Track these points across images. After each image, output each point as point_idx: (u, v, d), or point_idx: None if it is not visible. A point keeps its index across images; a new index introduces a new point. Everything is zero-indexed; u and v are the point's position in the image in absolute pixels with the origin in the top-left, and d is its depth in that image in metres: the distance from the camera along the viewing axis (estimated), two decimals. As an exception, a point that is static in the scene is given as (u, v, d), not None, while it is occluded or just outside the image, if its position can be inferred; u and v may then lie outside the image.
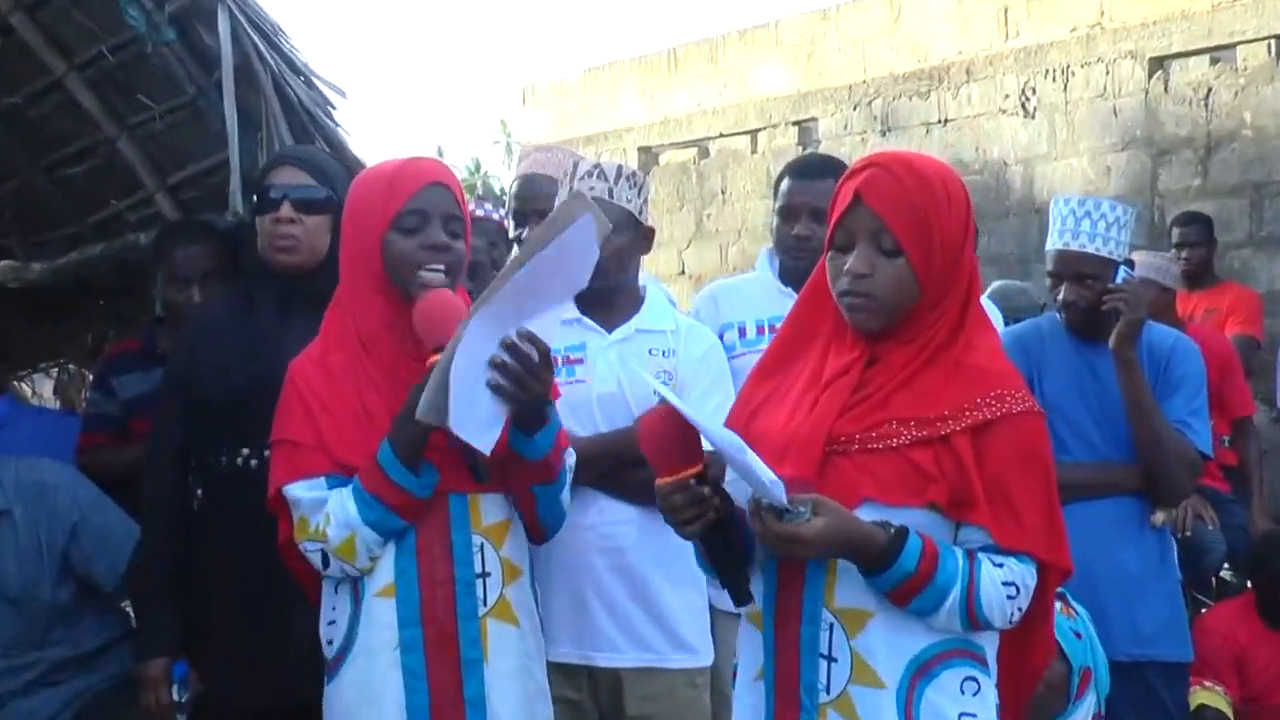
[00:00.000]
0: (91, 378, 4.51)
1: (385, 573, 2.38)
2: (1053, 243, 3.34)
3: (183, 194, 4.15)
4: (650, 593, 2.93)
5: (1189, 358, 3.36)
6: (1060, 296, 3.35)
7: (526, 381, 2.27)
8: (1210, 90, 7.55)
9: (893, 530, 1.98)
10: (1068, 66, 8.15)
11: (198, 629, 2.85)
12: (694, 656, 2.99)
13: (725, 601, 3.19)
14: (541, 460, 2.41)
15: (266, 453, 2.72)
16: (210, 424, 2.81)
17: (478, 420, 2.27)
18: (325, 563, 2.37)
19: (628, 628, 2.92)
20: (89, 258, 4.44)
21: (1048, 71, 8.25)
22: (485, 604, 2.39)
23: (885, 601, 2.01)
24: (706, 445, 2.03)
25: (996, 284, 5.81)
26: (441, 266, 2.38)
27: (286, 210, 2.82)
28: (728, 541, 2.07)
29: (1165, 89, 7.76)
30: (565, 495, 2.51)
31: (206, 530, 2.82)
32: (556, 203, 3.03)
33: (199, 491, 2.83)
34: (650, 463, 2.06)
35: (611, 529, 2.91)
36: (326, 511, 2.35)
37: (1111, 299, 3.25)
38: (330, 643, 2.44)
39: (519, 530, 2.48)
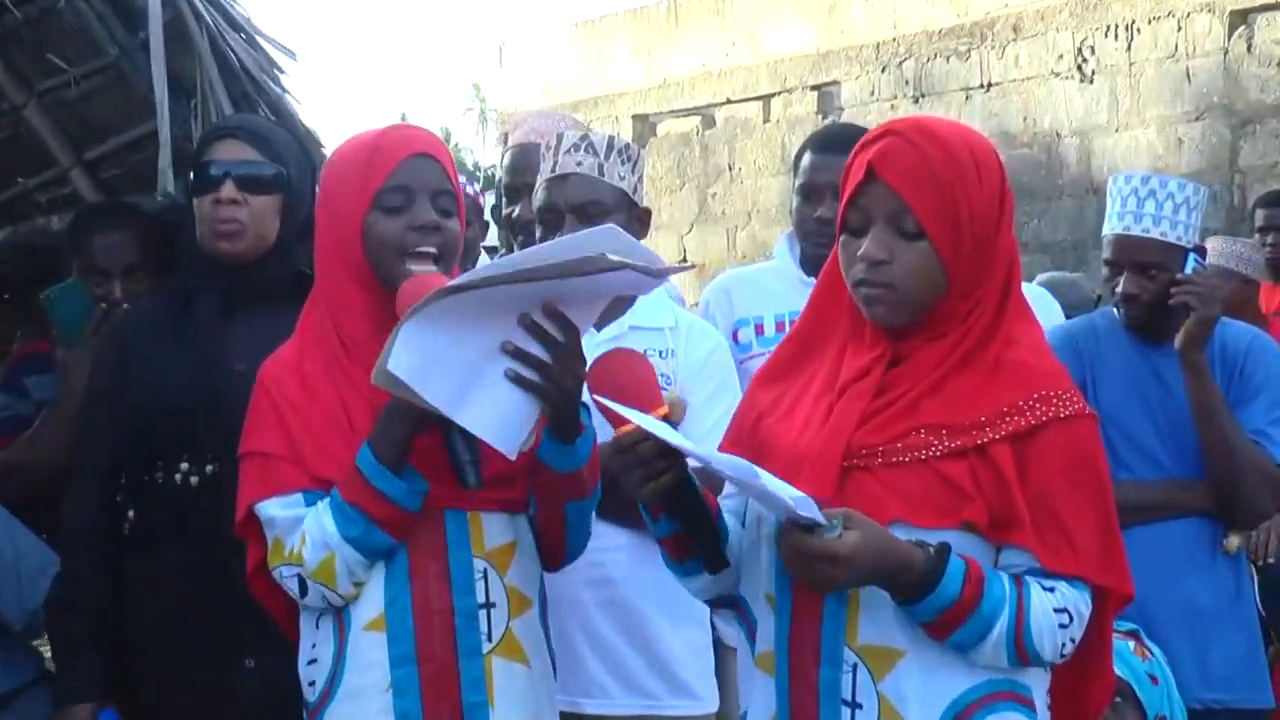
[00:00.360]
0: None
1: (374, 602, 2.36)
2: (1111, 226, 3.37)
3: (103, 171, 4.17)
4: (646, 630, 2.97)
5: (1269, 359, 3.38)
6: (1119, 289, 3.36)
7: (555, 375, 2.26)
8: (1301, 49, 7.60)
9: (932, 550, 1.96)
10: (1133, 22, 8.21)
11: (130, 671, 2.88)
12: (696, 703, 3.02)
13: (732, 637, 3.25)
14: (576, 472, 2.40)
15: (210, 468, 2.75)
16: (143, 437, 2.84)
17: (497, 417, 2.26)
18: (303, 590, 2.37)
19: (620, 671, 2.95)
20: (-8, 244, 4.47)
21: (1109, 27, 8.30)
22: (490, 639, 2.37)
23: (919, 636, 2.00)
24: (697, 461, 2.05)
25: (1043, 276, 5.84)
26: (433, 249, 2.38)
27: (229, 190, 2.83)
28: (697, 497, 2.06)
29: (1248, 48, 7.80)
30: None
31: (140, 556, 2.85)
32: (539, 181, 3.07)
33: (130, 513, 2.86)
34: (606, 417, 2.06)
35: (600, 557, 2.93)
36: (302, 530, 2.35)
37: (1180, 292, 3.26)
38: (312, 684, 2.43)
39: (527, 554, 2.46)
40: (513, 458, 2.32)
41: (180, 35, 3.49)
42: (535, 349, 2.25)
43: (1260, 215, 6.30)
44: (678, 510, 2.08)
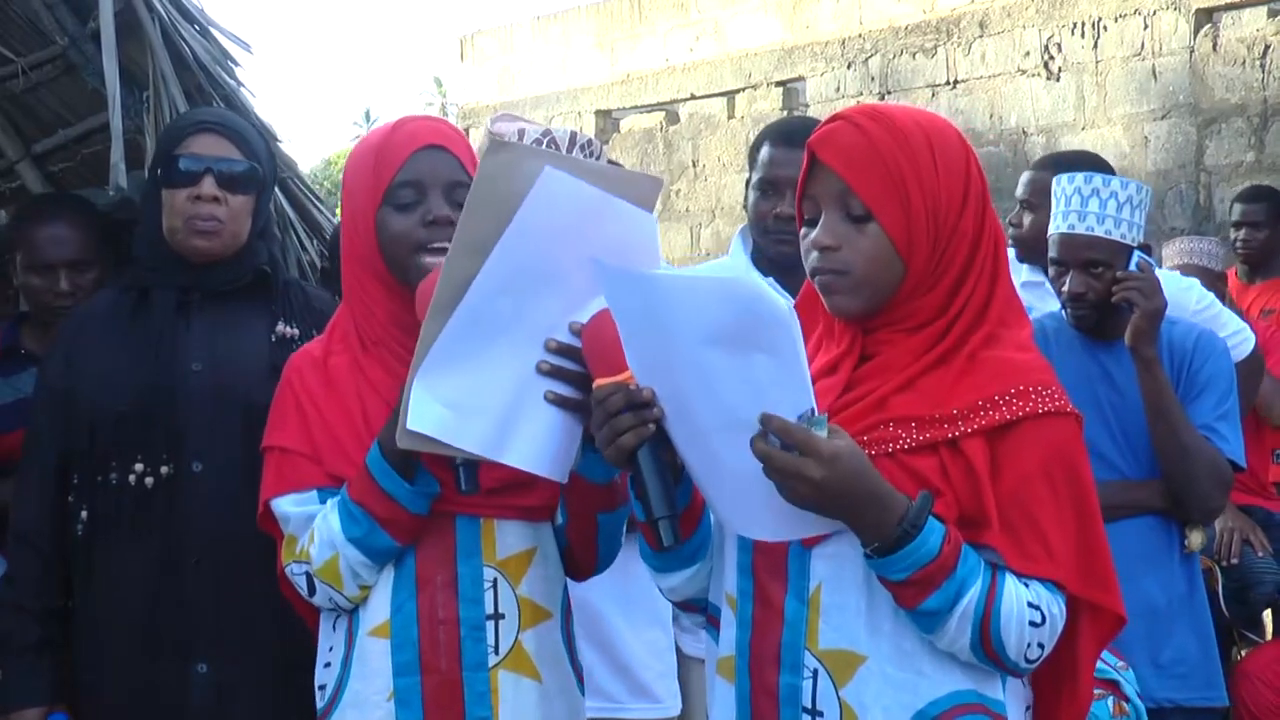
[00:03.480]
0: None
1: (380, 607, 2.35)
2: (1056, 225, 3.39)
3: (51, 164, 4.14)
4: (607, 633, 2.98)
5: (1216, 355, 3.41)
6: (1065, 288, 3.40)
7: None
8: (1268, 48, 7.65)
9: (917, 499, 1.89)
10: (1099, 19, 8.26)
11: (83, 672, 2.86)
12: (657, 705, 3.04)
13: (693, 645, 3.26)
14: (611, 483, 2.37)
15: (165, 469, 2.74)
16: (95, 436, 2.82)
17: (543, 445, 2.23)
18: (311, 589, 2.35)
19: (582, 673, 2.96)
20: (-64, 240, 4.42)
21: (1075, 25, 8.35)
22: (497, 652, 2.35)
23: (881, 642, 1.96)
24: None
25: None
26: (448, 244, 2.31)
27: (209, 186, 2.79)
28: (660, 465, 1.98)
29: (1214, 46, 7.86)
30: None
31: (93, 557, 2.83)
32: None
33: (83, 513, 2.83)
34: (589, 365, 2.05)
35: (562, 560, 2.94)
36: (312, 529, 2.34)
37: (1122, 289, 3.29)
38: (322, 688, 2.41)
39: (547, 563, 2.43)
40: (564, 481, 2.30)
41: (132, 26, 3.46)
42: (568, 364, 2.23)
43: (1237, 210, 6.31)
44: (636, 476, 1.99)
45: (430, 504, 2.32)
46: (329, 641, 2.42)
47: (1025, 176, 4.39)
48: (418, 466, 2.30)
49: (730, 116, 10.37)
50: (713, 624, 2.16)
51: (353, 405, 2.38)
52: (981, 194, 2.04)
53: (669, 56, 10.74)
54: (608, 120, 11.31)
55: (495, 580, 2.36)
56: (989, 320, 2.02)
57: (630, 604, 2.97)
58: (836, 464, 1.84)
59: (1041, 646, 1.97)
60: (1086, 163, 3.82)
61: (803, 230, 2.07)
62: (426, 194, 2.38)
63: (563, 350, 2.22)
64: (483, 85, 12.31)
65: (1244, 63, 7.74)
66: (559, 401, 2.24)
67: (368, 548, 2.30)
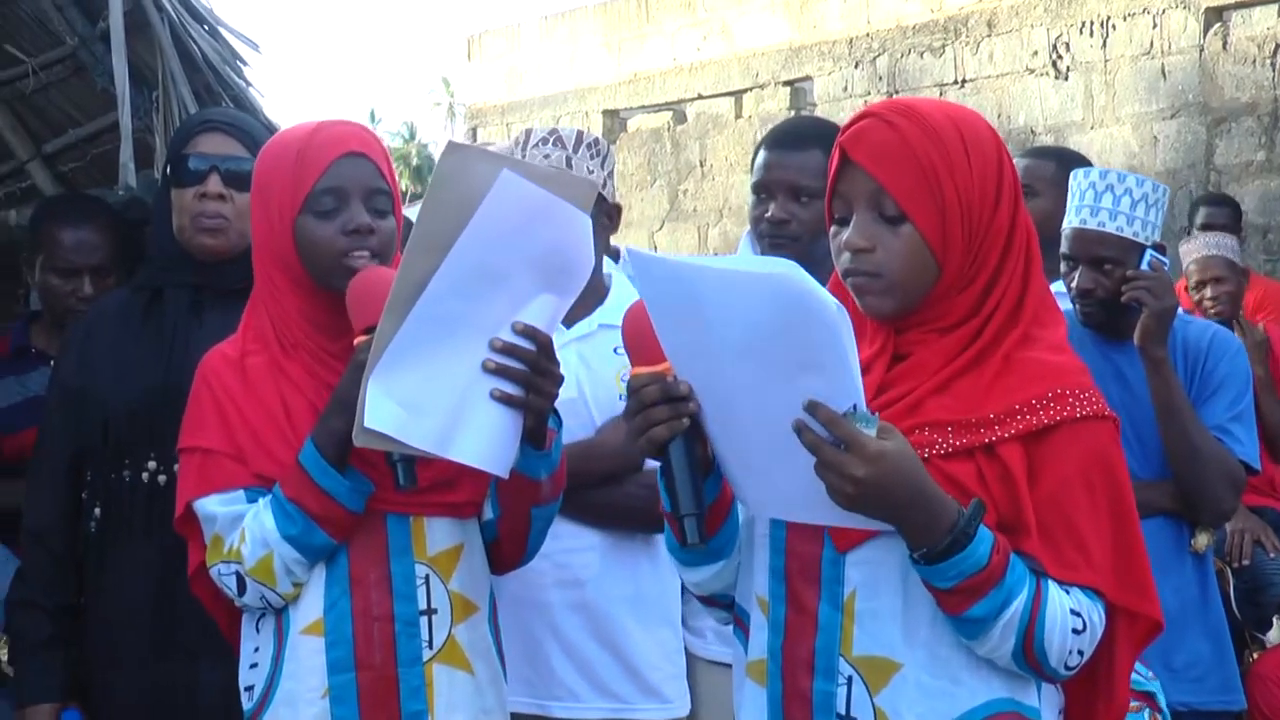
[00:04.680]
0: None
1: (313, 605, 2.37)
2: (1069, 220, 3.37)
3: (61, 164, 4.16)
4: (615, 632, 2.97)
5: (1230, 355, 3.39)
6: (1075, 284, 3.38)
7: (538, 384, 2.29)
8: (1279, 47, 7.64)
9: (969, 506, 1.85)
10: (1107, 19, 8.25)
11: (94, 669, 2.87)
12: (666, 706, 3.03)
13: (702, 648, 3.26)
14: (549, 478, 2.42)
15: (178, 467, 2.75)
16: (109, 434, 2.83)
17: (486, 441, 2.27)
18: (241, 589, 2.37)
19: (589, 673, 2.95)
20: (-54, 239, 4.44)
21: (1084, 24, 8.34)
22: (431, 647, 2.38)
23: (917, 649, 1.93)
24: None
25: None
26: (367, 253, 2.37)
27: (215, 184, 2.82)
28: (693, 460, 1.95)
29: (1224, 45, 7.85)
30: None
31: (105, 555, 2.85)
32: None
33: (96, 511, 2.85)
34: (628, 353, 2.03)
35: (569, 558, 2.94)
36: (243, 528, 2.35)
37: (1131, 288, 3.26)
38: (250, 689, 2.44)
39: (473, 557, 2.47)
40: (505, 476, 2.33)
41: (141, 26, 3.48)
42: (513, 364, 2.27)
43: (1203, 213, 6.36)
44: (666, 469, 1.96)
45: (365, 501, 2.34)
46: (254, 642, 2.43)
47: (1020, 164, 4.39)
48: (350, 465, 2.32)
49: (738, 116, 10.38)
50: (739, 625, 2.14)
51: (274, 404, 2.39)
52: (1014, 188, 2.01)
53: (676, 56, 10.74)
54: (615, 120, 11.31)
55: (427, 576, 2.39)
56: (1023, 319, 1.99)
57: (640, 604, 2.97)
58: (881, 463, 1.80)
59: (1081, 654, 1.94)
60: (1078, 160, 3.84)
61: (832, 230, 2.03)
62: (348, 201, 2.39)
63: (507, 349, 2.26)
64: (490, 85, 12.31)
65: (1254, 61, 7.72)
66: (504, 399, 2.27)
67: (303, 545, 2.32)
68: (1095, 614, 1.94)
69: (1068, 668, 1.94)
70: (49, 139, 4.13)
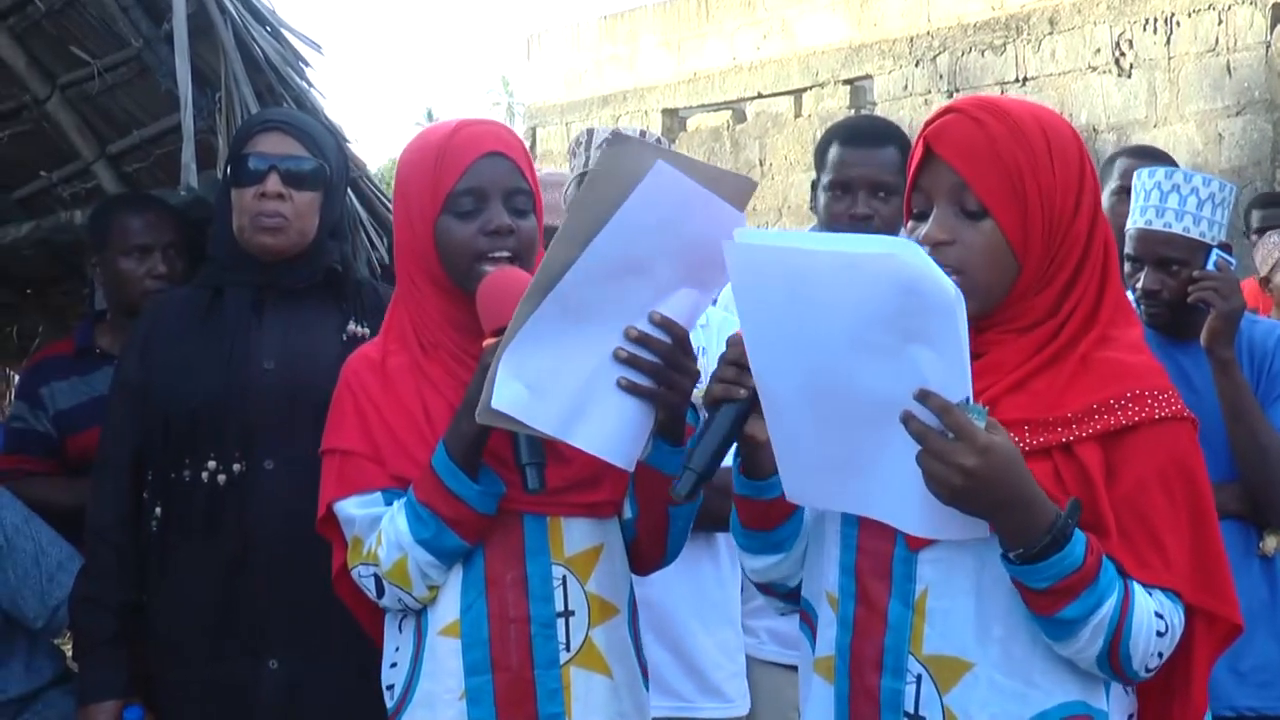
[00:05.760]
0: (18, 381, 4.55)
1: (449, 607, 2.36)
2: (1134, 221, 3.34)
3: (126, 165, 4.19)
4: (676, 631, 2.97)
5: None
6: (1140, 285, 3.35)
7: (672, 378, 2.26)
8: (1344, 42, 7.56)
9: (1067, 505, 1.84)
10: (1171, 15, 8.18)
11: (156, 667, 2.90)
12: (727, 705, 3.03)
13: (757, 648, 3.25)
14: None
15: (237, 467, 2.77)
16: (169, 433, 2.85)
17: (612, 430, 2.25)
18: (380, 591, 2.35)
19: (651, 671, 2.95)
20: (14, 240, 4.49)
21: (1147, 21, 8.27)
22: (568, 649, 2.36)
23: (989, 649, 1.93)
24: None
25: None
26: (507, 253, 2.34)
27: (274, 184, 2.83)
28: (737, 431, 2.01)
29: (1289, 41, 7.77)
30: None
31: (166, 554, 2.87)
32: (570, 179, 3.07)
33: (158, 509, 2.87)
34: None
35: (632, 560, 2.95)
36: (379, 530, 2.34)
37: (1197, 289, 3.23)
38: (390, 688, 2.42)
39: (613, 559, 2.44)
40: (630, 469, 2.31)
41: (204, 28, 3.49)
42: (645, 354, 2.25)
43: (1257, 216, 6.32)
44: (706, 424, 2.02)
45: (497, 503, 2.32)
46: (395, 642, 2.43)
47: (1123, 164, 4.35)
48: (483, 466, 2.30)
49: (797, 115, 10.36)
50: (805, 621, 2.14)
51: (414, 405, 2.38)
52: (1095, 192, 2.01)
53: (736, 55, 10.74)
54: (674, 119, 11.32)
55: (564, 577, 2.37)
56: (1100, 321, 1.98)
57: (702, 603, 2.97)
58: (990, 455, 1.78)
59: (1160, 656, 1.94)
60: (1154, 156, 3.79)
61: (910, 224, 2.04)
62: (488, 201, 2.37)
63: (641, 339, 2.23)
64: (549, 84, 12.34)
65: (1321, 58, 7.64)
66: (631, 389, 2.25)
67: (436, 549, 2.31)
68: (1176, 616, 1.93)
69: (1148, 670, 1.94)
70: (113, 140, 4.16)
